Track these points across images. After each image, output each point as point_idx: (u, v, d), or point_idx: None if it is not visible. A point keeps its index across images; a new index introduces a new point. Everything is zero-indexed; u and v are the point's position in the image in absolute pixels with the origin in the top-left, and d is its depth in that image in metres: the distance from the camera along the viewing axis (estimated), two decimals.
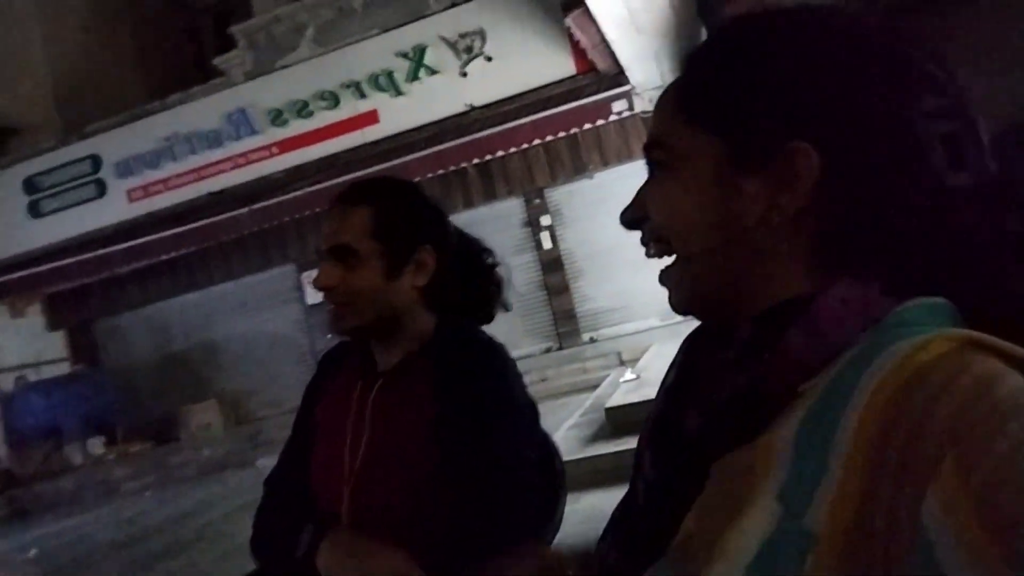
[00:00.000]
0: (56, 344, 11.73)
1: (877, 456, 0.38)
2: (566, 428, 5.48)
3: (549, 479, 1.24)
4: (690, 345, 0.62)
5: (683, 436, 0.51)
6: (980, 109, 0.50)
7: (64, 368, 11.61)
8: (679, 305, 0.58)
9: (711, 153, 0.53)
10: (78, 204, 11.35)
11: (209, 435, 10.23)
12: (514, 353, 1.25)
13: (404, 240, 1.18)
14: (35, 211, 11.60)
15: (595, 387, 7.05)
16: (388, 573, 1.02)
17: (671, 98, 0.57)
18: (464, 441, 1.09)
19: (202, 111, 10.74)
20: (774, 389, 0.46)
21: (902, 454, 0.37)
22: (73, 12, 13.32)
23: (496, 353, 1.20)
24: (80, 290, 11.08)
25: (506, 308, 1.33)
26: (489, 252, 1.33)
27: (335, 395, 1.25)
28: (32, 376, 11.46)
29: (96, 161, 11.31)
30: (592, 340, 9.31)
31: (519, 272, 9.50)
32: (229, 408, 10.64)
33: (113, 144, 11.19)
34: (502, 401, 1.15)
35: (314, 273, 1.19)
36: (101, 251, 10.36)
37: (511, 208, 9.56)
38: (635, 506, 0.56)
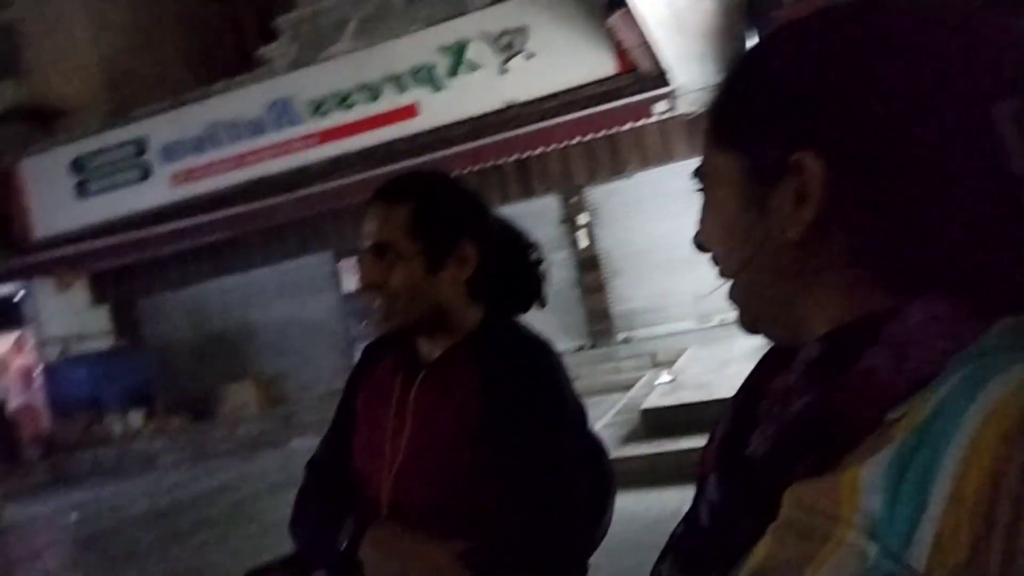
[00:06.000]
0: (99, 319, 12.08)
1: (989, 501, 0.35)
2: (599, 427, 5.44)
3: (598, 478, 1.24)
4: (762, 363, 0.59)
5: (750, 459, 0.48)
6: None
7: (107, 343, 11.96)
8: (741, 324, 0.57)
9: (733, 171, 0.52)
10: (123, 186, 11.67)
11: (245, 414, 10.47)
12: None
13: (443, 236, 1.17)
14: (82, 191, 11.96)
15: (628, 388, 6.99)
16: (432, 573, 1.03)
17: (706, 124, 0.56)
18: (512, 439, 1.09)
19: (246, 100, 10.96)
20: (855, 416, 0.42)
21: (1016, 501, 0.35)
22: None
23: (545, 350, 1.19)
24: (124, 269, 11.40)
25: (542, 304, 1.31)
26: (534, 247, 1.32)
27: (377, 385, 1.26)
28: (75, 348, 11.83)
29: (141, 145, 11.61)
30: (626, 340, 9.31)
31: (554, 269, 9.44)
32: (265, 389, 10.86)
33: (158, 129, 11.48)
34: (551, 399, 1.14)
35: (351, 261, 1.19)
36: (144, 232, 10.64)
37: (548, 206, 9.59)
38: (698, 528, 0.54)
